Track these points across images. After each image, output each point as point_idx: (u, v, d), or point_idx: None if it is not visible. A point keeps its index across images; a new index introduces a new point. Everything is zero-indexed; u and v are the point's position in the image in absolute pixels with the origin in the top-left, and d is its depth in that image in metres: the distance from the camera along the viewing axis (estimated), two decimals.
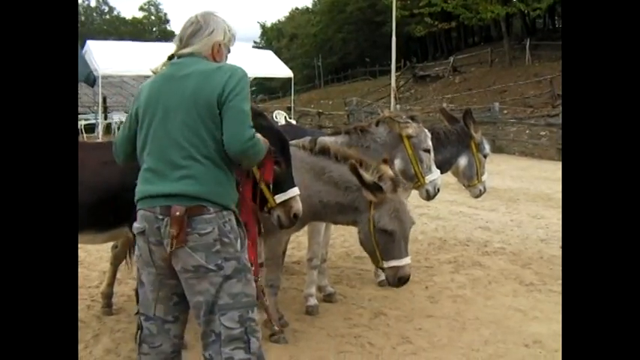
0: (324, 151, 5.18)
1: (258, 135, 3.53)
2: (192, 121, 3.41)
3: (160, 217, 3.40)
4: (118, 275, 6.27)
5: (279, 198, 4.33)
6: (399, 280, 4.65)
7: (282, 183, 4.33)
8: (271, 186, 4.26)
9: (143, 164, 3.58)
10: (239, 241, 3.50)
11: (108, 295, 6.08)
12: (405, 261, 4.64)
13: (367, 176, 4.54)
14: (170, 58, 3.78)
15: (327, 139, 5.83)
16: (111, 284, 6.09)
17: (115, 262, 6.07)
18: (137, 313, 3.72)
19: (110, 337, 5.47)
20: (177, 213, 3.34)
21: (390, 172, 4.75)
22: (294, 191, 4.38)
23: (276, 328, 5.33)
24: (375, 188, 4.56)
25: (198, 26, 3.71)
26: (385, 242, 4.66)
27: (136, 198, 3.55)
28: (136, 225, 3.54)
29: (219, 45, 3.76)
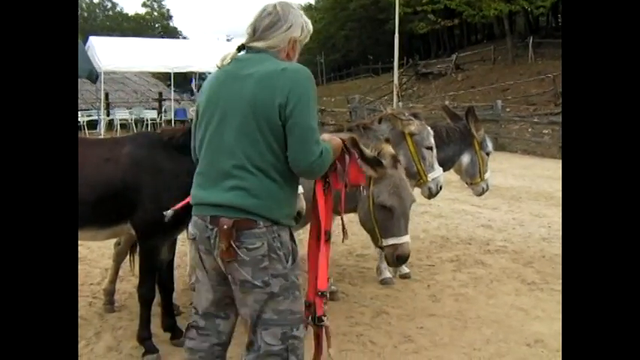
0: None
1: (328, 139, 3.44)
2: (249, 128, 3.21)
3: (210, 226, 3.30)
4: (120, 272, 6.27)
5: None
6: (397, 258, 4.51)
7: None
8: None
9: (198, 166, 3.48)
10: (290, 257, 3.38)
11: (110, 292, 6.08)
12: (404, 239, 4.50)
13: (367, 151, 4.43)
14: (240, 48, 3.51)
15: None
16: (113, 281, 6.10)
17: (118, 259, 6.08)
18: (192, 303, 3.74)
19: (112, 334, 5.47)
20: (225, 226, 3.21)
21: (391, 150, 4.66)
22: (299, 189, 4.38)
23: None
24: (376, 163, 4.36)
25: (276, 18, 3.43)
26: (384, 219, 4.52)
27: (191, 201, 3.46)
28: (189, 230, 3.49)
29: (295, 42, 3.53)
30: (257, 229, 3.24)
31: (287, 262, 3.35)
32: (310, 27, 3.63)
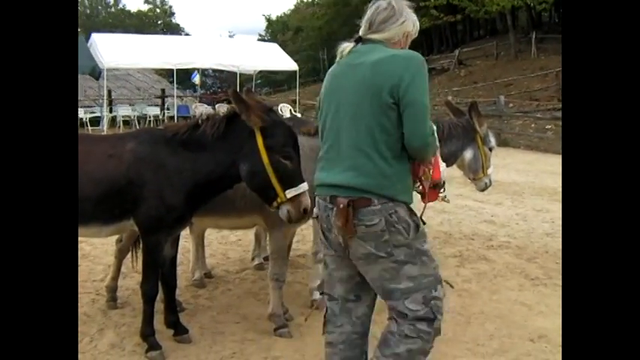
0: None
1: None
2: (363, 111, 3.46)
3: (330, 206, 3.58)
4: (123, 269, 6.28)
5: (290, 193, 4.39)
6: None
7: (293, 178, 4.39)
8: (282, 181, 4.36)
9: (320, 151, 3.76)
10: (412, 230, 3.53)
11: (112, 289, 6.08)
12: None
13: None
14: (357, 41, 3.74)
15: None
16: (115, 278, 6.09)
17: (120, 256, 6.08)
18: (322, 293, 3.95)
19: (115, 331, 5.46)
20: (342, 205, 3.47)
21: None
22: (304, 186, 4.41)
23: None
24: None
25: (392, 12, 3.66)
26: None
27: (314, 183, 3.75)
28: (314, 210, 3.79)
29: (408, 35, 3.74)
30: (373, 207, 3.45)
31: (408, 234, 3.52)
32: (418, 24, 3.83)
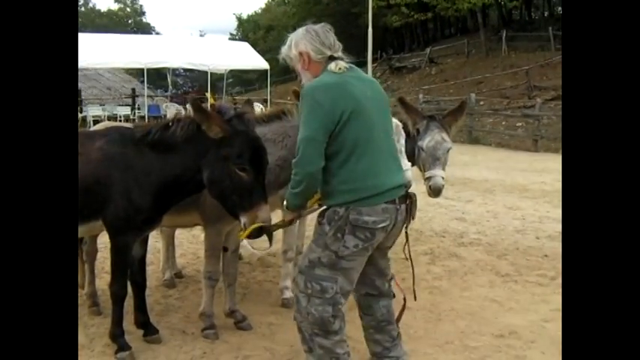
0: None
1: None
2: (387, 123, 4.15)
3: (398, 206, 3.99)
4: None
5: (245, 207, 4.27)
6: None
7: (251, 192, 4.23)
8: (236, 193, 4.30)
9: (353, 162, 3.89)
10: None
11: (92, 294, 5.94)
12: None
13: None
14: (331, 58, 4.09)
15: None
16: (92, 282, 5.96)
17: (89, 259, 5.94)
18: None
19: (84, 332, 5.40)
20: (414, 198, 4.17)
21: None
22: (263, 202, 4.32)
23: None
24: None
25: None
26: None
27: (368, 193, 3.88)
28: (374, 218, 3.89)
29: None
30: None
31: None
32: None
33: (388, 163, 3.98)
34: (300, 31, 4.18)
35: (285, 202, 4.18)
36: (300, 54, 4.10)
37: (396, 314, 4.56)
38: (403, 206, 4.02)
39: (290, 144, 5.26)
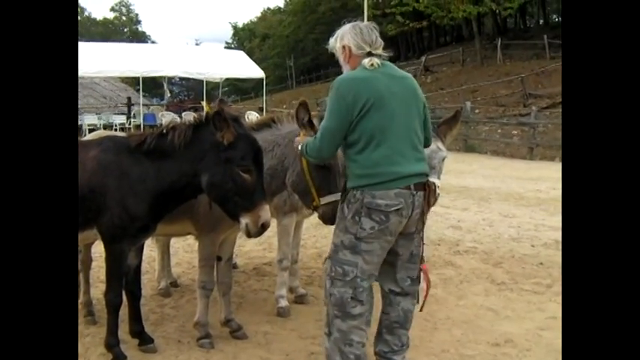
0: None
1: None
2: (414, 115, 4.28)
3: (414, 192, 4.16)
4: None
5: (248, 207, 4.38)
6: (334, 215, 4.54)
7: (253, 192, 4.36)
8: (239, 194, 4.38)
9: (375, 150, 4.12)
10: None
11: (88, 304, 5.93)
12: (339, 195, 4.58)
13: (302, 114, 4.78)
14: (368, 54, 4.28)
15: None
16: (87, 291, 5.94)
17: (83, 268, 5.93)
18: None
19: (79, 341, 5.36)
20: (433, 187, 4.37)
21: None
22: (264, 202, 4.39)
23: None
24: (310, 125, 4.75)
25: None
26: (322, 177, 4.67)
27: (386, 177, 4.10)
28: (387, 202, 4.10)
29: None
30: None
31: None
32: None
33: (406, 153, 4.15)
34: (348, 26, 4.40)
35: (301, 147, 4.45)
36: (344, 47, 4.36)
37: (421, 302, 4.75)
38: (420, 193, 4.20)
39: (280, 153, 5.32)
